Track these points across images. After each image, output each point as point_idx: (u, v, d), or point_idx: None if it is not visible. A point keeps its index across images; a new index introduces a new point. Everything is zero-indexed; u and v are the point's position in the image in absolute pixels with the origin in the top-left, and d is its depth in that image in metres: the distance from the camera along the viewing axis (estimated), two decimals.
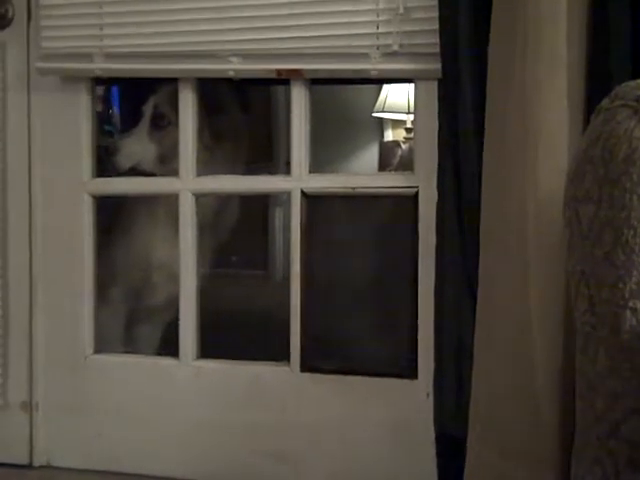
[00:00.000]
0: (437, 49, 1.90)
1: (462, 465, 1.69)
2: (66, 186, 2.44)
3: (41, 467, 2.50)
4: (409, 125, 4.74)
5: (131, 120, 2.88)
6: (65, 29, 2.36)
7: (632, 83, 1.11)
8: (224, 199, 2.75)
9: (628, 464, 1.01)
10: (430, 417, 1.92)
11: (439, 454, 1.92)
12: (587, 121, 1.23)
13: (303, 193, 2.21)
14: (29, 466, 2.49)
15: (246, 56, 2.19)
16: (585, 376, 1.11)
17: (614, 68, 1.61)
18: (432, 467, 1.92)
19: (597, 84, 1.61)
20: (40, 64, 2.39)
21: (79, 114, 2.44)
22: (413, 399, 2.10)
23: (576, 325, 1.14)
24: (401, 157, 4.70)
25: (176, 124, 2.37)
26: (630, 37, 1.62)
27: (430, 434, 1.92)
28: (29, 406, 2.50)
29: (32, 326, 2.49)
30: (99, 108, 3.08)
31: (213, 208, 2.70)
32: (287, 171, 2.28)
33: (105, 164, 2.57)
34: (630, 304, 1.03)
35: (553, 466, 1.50)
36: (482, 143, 1.73)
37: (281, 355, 2.25)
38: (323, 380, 2.20)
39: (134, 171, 2.62)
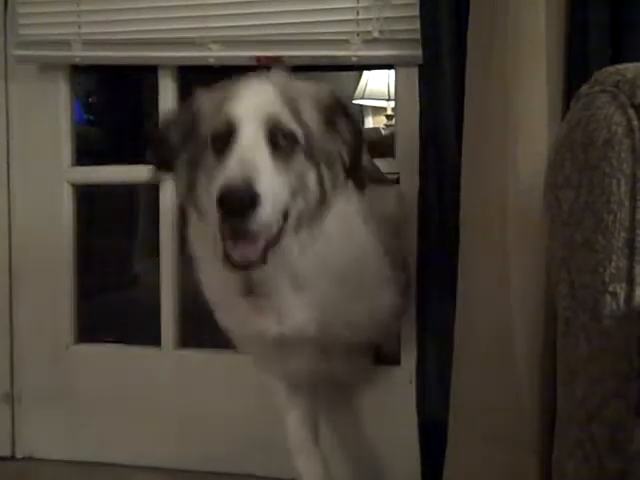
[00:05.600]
0: (417, 35, 1.90)
1: (445, 450, 1.70)
2: (45, 175, 2.42)
3: (23, 459, 2.49)
4: (390, 112, 4.74)
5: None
6: (42, 16, 2.33)
7: (611, 68, 1.11)
8: None
9: (609, 448, 1.02)
10: (413, 402, 1.93)
11: (422, 439, 1.93)
12: (567, 107, 1.23)
13: None
14: (11, 458, 2.49)
15: (226, 43, 2.18)
16: (566, 361, 1.12)
17: (593, 53, 1.62)
18: (415, 452, 1.93)
19: (576, 70, 1.61)
20: (17, 52, 2.36)
21: (58, 102, 2.42)
22: (396, 385, 2.11)
23: (557, 310, 1.15)
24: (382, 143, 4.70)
25: None
26: (609, 22, 1.62)
27: (413, 419, 1.93)
28: (11, 397, 2.49)
29: (12, 317, 2.47)
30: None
31: None
32: None
33: None
34: (610, 288, 1.04)
35: (535, 450, 1.51)
36: (463, 128, 1.73)
37: None
38: None
39: None
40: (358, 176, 1.52)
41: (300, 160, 1.44)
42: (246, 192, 1.29)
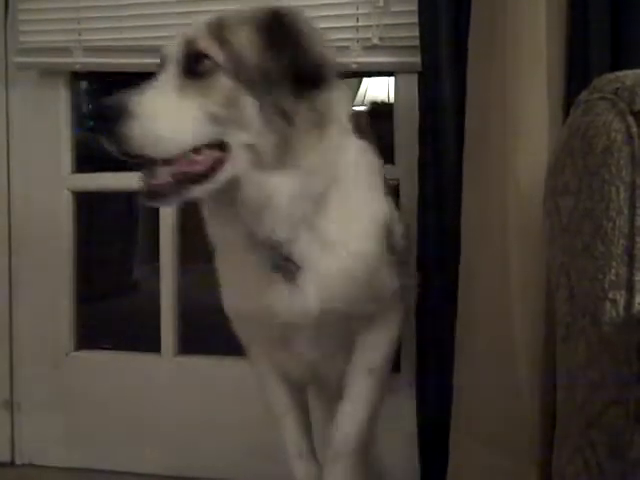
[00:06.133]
0: (417, 42, 1.90)
1: (445, 454, 1.70)
2: (45, 182, 2.43)
3: (23, 465, 2.48)
4: None
5: None
6: (43, 23, 2.34)
7: (611, 75, 1.12)
8: None
9: (609, 454, 1.02)
10: (413, 409, 1.93)
11: (422, 446, 1.93)
12: (567, 113, 1.23)
13: None
14: (10, 464, 2.48)
15: None
16: (566, 367, 1.12)
17: (593, 60, 1.62)
18: (416, 458, 1.93)
19: (576, 76, 1.61)
20: (18, 58, 2.37)
21: (58, 109, 2.43)
22: (396, 391, 2.10)
23: (557, 316, 1.15)
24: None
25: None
26: (609, 28, 1.63)
27: (413, 425, 1.93)
28: (10, 404, 2.49)
29: (12, 323, 2.47)
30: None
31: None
32: None
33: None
34: (610, 295, 1.04)
35: (535, 456, 1.51)
36: (463, 135, 1.73)
37: None
38: None
39: None
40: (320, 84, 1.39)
41: (224, 86, 1.33)
42: (113, 106, 1.26)
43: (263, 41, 1.36)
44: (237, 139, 1.34)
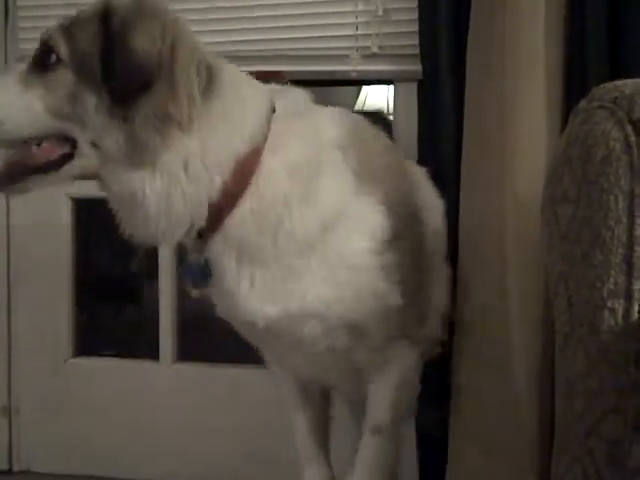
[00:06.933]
0: (416, 50, 1.91)
1: (443, 464, 1.70)
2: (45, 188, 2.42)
3: (21, 472, 2.48)
4: None
5: None
6: (43, 30, 2.34)
7: (609, 85, 1.12)
8: None
9: (608, 463, 1.02)
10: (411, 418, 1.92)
11: (421, 453, 1.93)
12: (565, 122, 1.23)
13: None
14: (8, 471, 2.48)
15: (226, 58, 2.18)
16: (564, 375, 1.12)
17: (592, 69, 1.63)
18: (414, 467, 1.93)
19: (575, 85, 1.62)
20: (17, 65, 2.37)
21: None
22: None
23: (555, 325, 1.15)
24: None
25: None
26: (607, 37, 1.63)
27: (412, 434, 1.93)
28: (8, 410, 2.48)
29: (10, 330, 2.47)
30: None
31: None
32: None
33: None
34: (608, 304, 1.04)
35: (534, 465, 1.51)
36: (461, 143, 1.73)
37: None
38: None
39: None
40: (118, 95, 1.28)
41: (66, 80, 1.29)
42: None
43: (101, 37, 1.31)
44: (82, 135, 1.30)
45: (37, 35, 2.31)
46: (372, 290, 1.40)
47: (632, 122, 1.04)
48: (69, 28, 1.34)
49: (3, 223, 2.45)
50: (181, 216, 1.32)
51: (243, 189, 1.33)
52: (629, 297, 1.03)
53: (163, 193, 1.30)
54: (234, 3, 2.18)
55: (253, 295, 1.37)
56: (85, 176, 1.35)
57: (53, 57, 1.32)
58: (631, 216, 1.03)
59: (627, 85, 1.09)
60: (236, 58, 2.16)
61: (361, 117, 1.57)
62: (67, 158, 1.32)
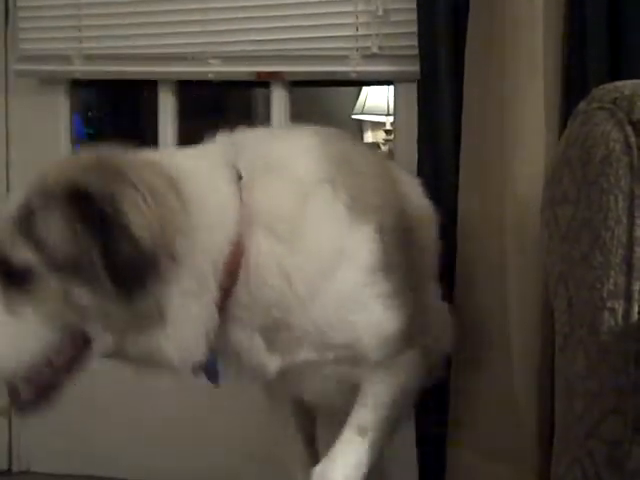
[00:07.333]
0: (416, 51, 1.91)
1: (443, 464, 1.70)
2: None
3: (21, 472, 2.48)
4: (388, 127, 4.75)
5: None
6: (43, 31, 2.35)
7: (609, 86, 1.12)
8: None
9: (607, 464, 1.02)
10: (411, 420, 1.92)
11: (420, 454, 1.92)
12: (564, 123, 1.23)
13: None
14: (8, 471, 2.48)
15: (226, 58, 2.19)
16: (564, 376, 1.12)
17: (592, 69, 1.63)
18: (414, 470, 1.92)
19: (574, 86, 1.62)
20: (18, 66, 2.37)
21: (58, 117, 2.43)
22: None
23: (555, 326, 1.15)
24: None
25: None
26: (606, 39, 1.63)
27: (411, 437, 1.92)
28: (8, 412, 2.48)
29: None
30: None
31: None
32: None
33: None
34: (608, 305, 1.04)
35: (534, 467, 1.51)
36: (461, 144, 1.73)
37: None
38: None
39: None
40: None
41: (51, 288, 1.18)
42: None
43: (74, 228, 1.17)
44: (88, 327, 1.22)
45: (37, 35, 2.35)
46: (368, 320, 1.41)
47: (632, 123, 1.05)
48: (30, 228, 1.18)
49: None
50: (200, 339, 1.30)
51: (235, 281, 1.30)
52: (629, 298, 1.03)
53: (178, 335, 1.27)
54: (234, 3, 2.18)
55: (264, 353, 1.39)
56: (108, 355, 1.28)
57: (24, 269, 1.18)
58: (631, 217, 1.03)
59: (627, 86, 1.09)
60: (236, 58, 2.19)
61: (335, 131, 1.56)
62: (85, 349, 1.25)
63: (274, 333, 1.37)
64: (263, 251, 1.31)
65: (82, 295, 1.18)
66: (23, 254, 1.17)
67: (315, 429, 1.76)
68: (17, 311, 1.19)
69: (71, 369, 1.26)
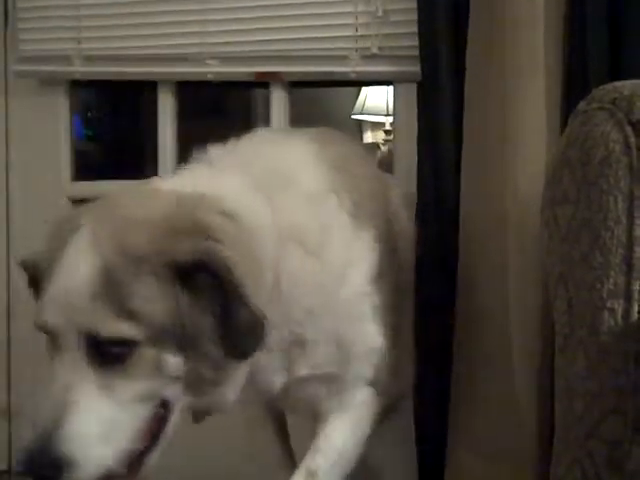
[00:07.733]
0: (416, 51, 1.91)
1: (443, 465, 1.69)
2: (45, 190, 2.43)
3: (20, 473, 2.47)
4: (388, 127, 4.75)
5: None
6: (43, 32, 2.35)
7: (609, 86, 1.12)
8: None
9: (607, 464, 1.02)
10: (411, 421, 1.92)
11: (420, 454, 1.92)
12: (565, 122, 1.23)
13: None
14: (7, 472, 2.47)
15: (225, 59, 2.19)
16: (564, 377, 1.12)
17: (592, 68, 1.62)
18: (414, 470, 1.92)
19: (575, 86, 1.62)
20: (18, 67, 2.37)
21: (57, 117, 2.43)
22: None
23: (555, 326, 1.15)
24: (380, 159, 4.71)
25: None
26: (607, 39, 1.63)
27: (411, 437, 1.92)
28: (8, 412, 2.48)
29: (10, 331, 2.47)
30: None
31: None
32: None
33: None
34: (608, 305, 1.04)
35: (534, 468, 1.51)
36: (461, 145, 1.73)
37: None
38: None
39: None
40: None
41: (147, 358, 1.11)
42: (47, 461, 1.08)
43: (175, 296, 1.11)
44: (172, 394, 1.17)
45: (37, 36, 2.35)
46: (360, 332, 1.41)
47: (631, 123, 1.05)
48: (121, 300, 1.08)
49: (3, 225, 2.45)
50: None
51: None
52: (629, 298, 1.04)
53: (238, 382, 1.26)
54: (233, 4, 2.18)
55: (276, 371, 1.39)
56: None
57: (122, 346, 1.09)
58: (630, 217, 1.03)
59: (626, 86, 1.09)
60: (235, 59, 2.19)
61: (329, 131, 1.56)
62: (166, 414, 1.20)
63: (291, 349, 1.37)
64: (295, 269, 1.29)
65: (177, 364, 1.13)
66: (116, 327, 1.08)
67: (287, 427, 1.76)
68: (111, 390, 1.11)
69: (158, 438, 1.23)
